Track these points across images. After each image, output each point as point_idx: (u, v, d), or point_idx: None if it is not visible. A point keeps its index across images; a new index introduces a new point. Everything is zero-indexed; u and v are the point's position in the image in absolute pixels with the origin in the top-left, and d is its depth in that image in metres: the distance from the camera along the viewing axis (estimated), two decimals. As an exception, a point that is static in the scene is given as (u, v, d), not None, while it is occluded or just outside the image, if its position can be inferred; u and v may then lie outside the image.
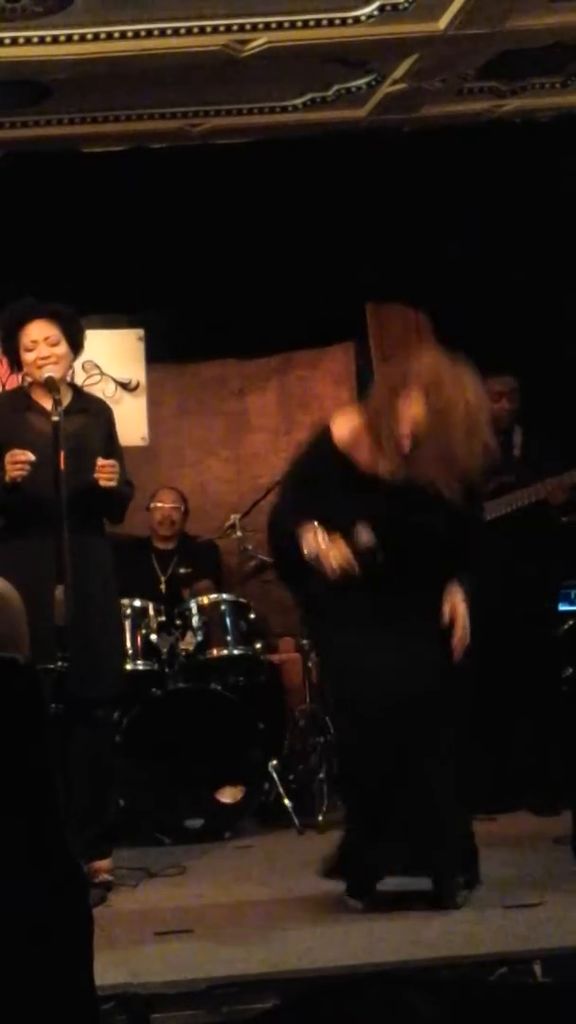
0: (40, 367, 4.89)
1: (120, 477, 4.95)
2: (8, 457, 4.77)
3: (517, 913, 4.11)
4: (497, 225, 6.89)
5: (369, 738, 4.32)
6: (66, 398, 4.94)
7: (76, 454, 4.75)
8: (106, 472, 4.84)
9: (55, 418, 4.73)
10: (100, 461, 4.85)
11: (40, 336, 4.92)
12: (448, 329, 7.16)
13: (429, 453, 4.30)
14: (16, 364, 5.09)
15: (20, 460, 4.74)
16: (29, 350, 4.91)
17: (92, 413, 5.07)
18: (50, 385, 4.85)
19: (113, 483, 4.86)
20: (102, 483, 4.82)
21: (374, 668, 4.30)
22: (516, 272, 6.89)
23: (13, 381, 7.35)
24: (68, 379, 5.18)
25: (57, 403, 4.75)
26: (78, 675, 4.47)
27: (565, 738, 5.59)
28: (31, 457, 4.74)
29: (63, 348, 4.96)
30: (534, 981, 3.57)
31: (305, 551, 4.30)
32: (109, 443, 5.05)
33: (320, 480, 4.42)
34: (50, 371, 4.89)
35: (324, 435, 4.50)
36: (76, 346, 5.04)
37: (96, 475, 4.82)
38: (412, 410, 4.32)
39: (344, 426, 4.48)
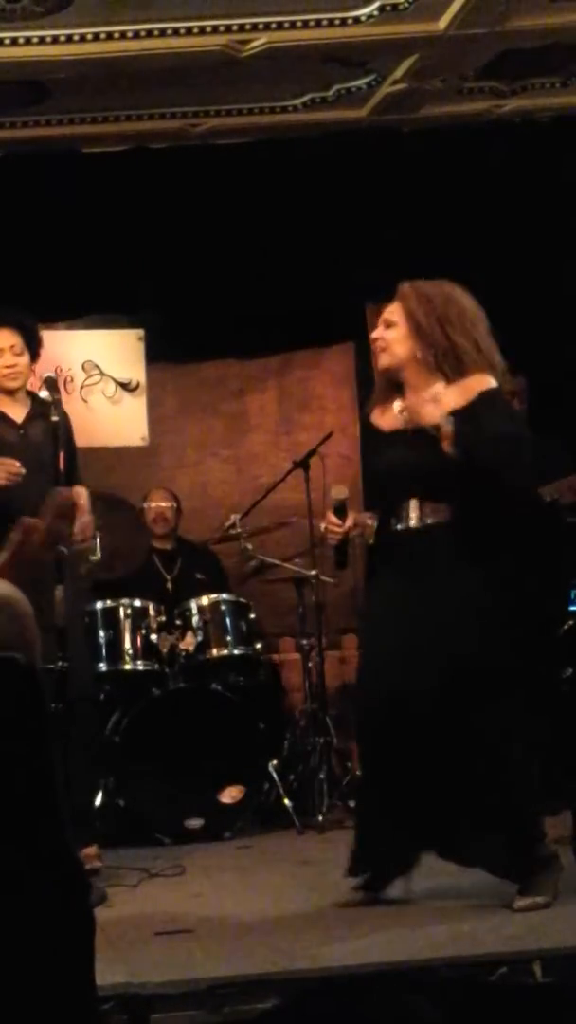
0: (5, 376, 5.02)
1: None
2: None
3: (517, 913, 4.11)
4: (497, 225, 6.89)
5: (369, 731, 4.32)
6: (26, 406, 5.08)
7: (37, 462, 4.86)
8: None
9: (55, 418, 4.83)
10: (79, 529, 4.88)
11: (6, 344, 5.02)
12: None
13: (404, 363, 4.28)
14: None
15: (13, 471, 4.81)
16: None
17: (50, 418, 5.07)
18: (50, 385, 4.91)
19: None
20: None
21: (377, 659, 4.28)
22: (517, 272, 6.88)
23: None
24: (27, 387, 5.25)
25: (57, 403, 4.84)
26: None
27: (565, 738, 5.58)
28: (19, 468, 4.79)
29: (26, 358, 5.08)
30: (534, 981, 3.56)
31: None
32: (68, 447, 5.09)
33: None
34: (14, 382, 5.02)
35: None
36: (35, 356, 5.15)
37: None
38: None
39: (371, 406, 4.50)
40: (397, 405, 4.32)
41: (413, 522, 4.24)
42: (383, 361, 4.33)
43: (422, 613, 4.18)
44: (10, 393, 5.07)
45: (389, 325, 4.31)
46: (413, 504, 4.24)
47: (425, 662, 4.13)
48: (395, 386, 4.35)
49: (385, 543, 4.33)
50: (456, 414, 4.14)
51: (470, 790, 4.16)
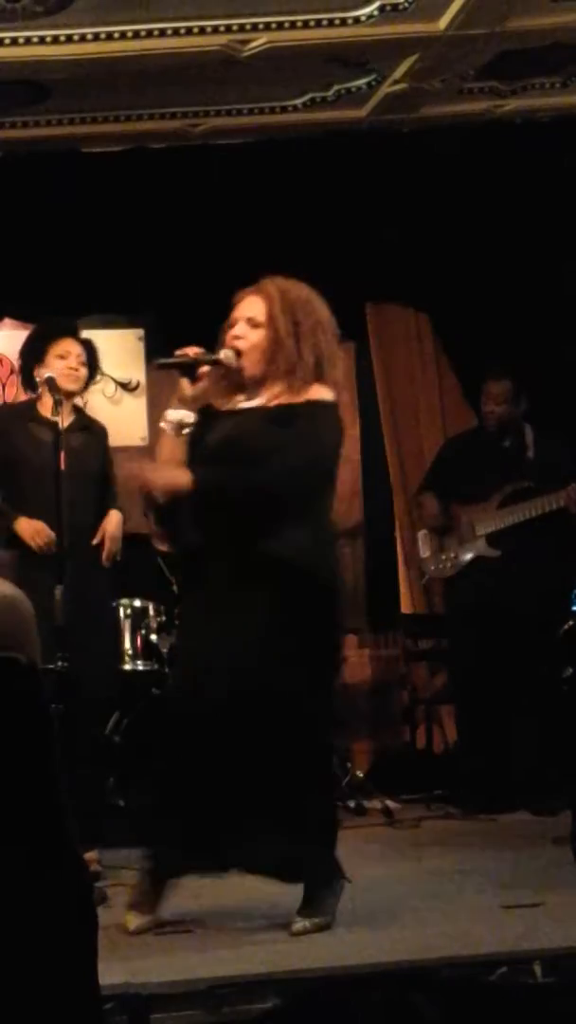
0: (67, 376, 5.12)
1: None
2: (32, 530, 5.03)
3: (517, 913, 4.11)
4: (497, 225, 6.89)
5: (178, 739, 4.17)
6: (70, 416, 5.20)
7: (74, 470, 4.99)
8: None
9: (54, 419, 4.99)
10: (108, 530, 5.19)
11: (74, 351, 5.18)
12: (448, 329, 7.18)
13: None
14: (29, 382, 5.28)
15: (43, 541, 5.00)
16: (63, 358, 5.14)
17: (92, 432, 5.33)
18: (51, 386, 5.03)
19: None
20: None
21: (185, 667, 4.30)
22: (517, 272, 6.89)
23: (12, 382, 7.38)
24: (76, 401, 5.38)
25: (58, 404, 4.98)
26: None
27: (565, 738, 5.58)
28: (52, 537, 4.97)
29: (85, 371, 5.22)
30: (534, 981, 3.57)
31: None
32: (105, 463, 5.33)
33: None
34: (74, 384, 5.16)
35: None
36: (92, 374, 5.32)
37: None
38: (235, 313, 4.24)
39: None
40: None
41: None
42: (235, 360, 4.18)
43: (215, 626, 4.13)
44: (48, 384, 5.12)
45: (255, 325, 4.18)
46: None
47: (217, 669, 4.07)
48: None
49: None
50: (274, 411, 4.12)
51: (257, 787, 4.05)
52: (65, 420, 5.11)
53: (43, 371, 5.11)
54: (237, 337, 4.18)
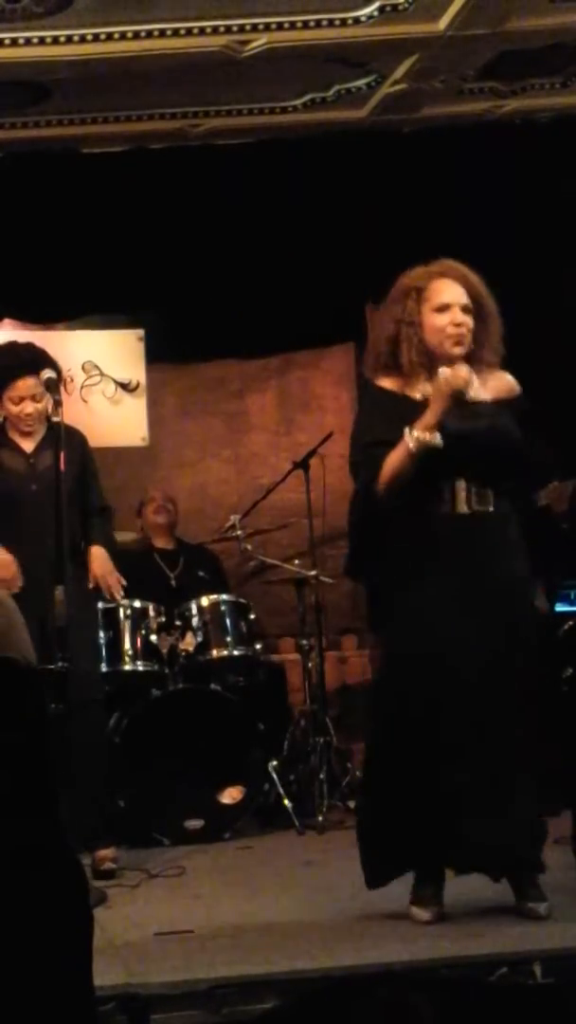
0: (23, 420, 5.13)
1: (100, 514, 5.29)
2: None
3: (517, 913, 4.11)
4: (497, 226, 6.88)
5: (412, 728, 4.06)
6: (40, 434, 5.18)
7: (46, 490, 4.96)
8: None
9: (55, 419, 4.94)
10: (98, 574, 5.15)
11: (28, 394, 5.12)
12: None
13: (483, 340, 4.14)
14: None
15: (9, 573, 4.97)
16: (15, 403, 5.13)
17: (63, 446, 5.13)
18: (50, 386, 5.00)
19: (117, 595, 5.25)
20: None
21: (434, 657, 4.06)
22: (517, 272, 6.88)
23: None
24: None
25: (58, 403, 4.94)
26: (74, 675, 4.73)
27: (565, 738, 5.58)
28: (16, 572, 4.96)
29: (43, 401, 5.15)
30: (534, 981, 3.57)
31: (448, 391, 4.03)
32: (82, 473, 5.23)
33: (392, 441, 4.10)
34: (29, 427, 5.15)
35: (374, 393, 4.25)
36: (52, 389, 5.14)
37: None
38: (445, 297, 4.15)
39: (383, 379, 4.22)
40: (463, 370, 4.08)
41: (462, 506, 4.10)
42: (459, 351, 4.12)
43: (477, 606, 4.06)
44: (46, 384, 5.09)
45: (468, 311, 4.16)
46: (461, 486, 4.09)
47: (480, 657, 4.04)
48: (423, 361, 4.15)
49: (426, 526, 4.10)
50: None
51: (503, 792, 4.10)
52: (31, 443, 5.14)
53: (7, 405, 5.13)
54: (461, 324, 4.16)
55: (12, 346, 5.33)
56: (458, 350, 4.12)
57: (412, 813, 4.06)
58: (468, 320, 4.16)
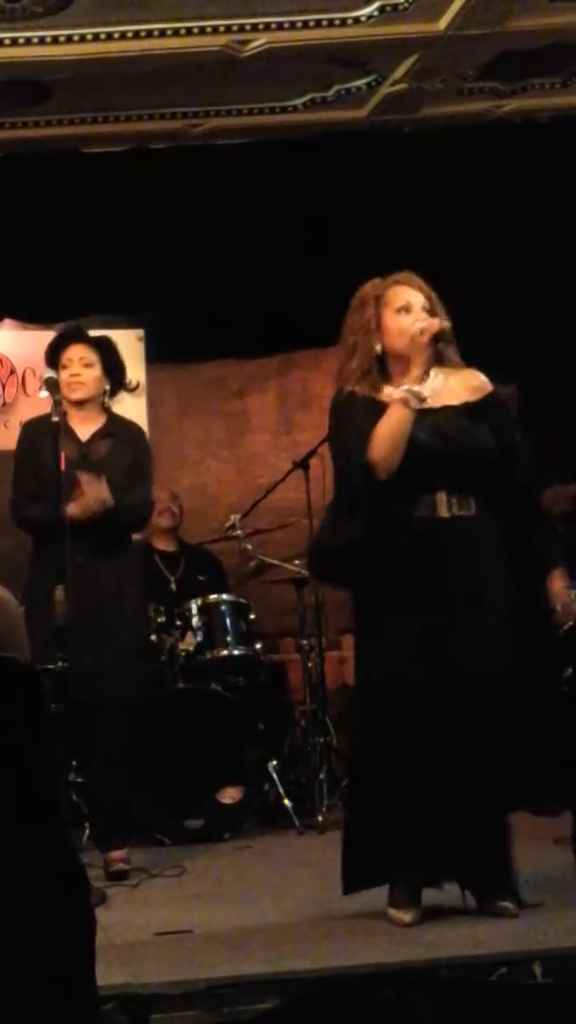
0: (68, 384, 5.10)
1: (133, 499, 5.14)
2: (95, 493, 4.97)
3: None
4: (497, 226, 6.89)
5: (398, 748, 4.07)
6: (98, 422, 5.18)
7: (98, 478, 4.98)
8: (82, 498, 4.99)
9: (55, 419, 4.93)
10: (83, 482, 4.99)
11: (76, 356, 5.14)
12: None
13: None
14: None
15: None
16: (65, 368, 5.14)
17: (120, 438, 5.23)
18: (50, 386, 5.01)
19: (79, 512, 4.94)
20: (71, 510, 4.92)
21: (414, 670, 4.05)
22: (517, 273, 6.89)
23: (12, 382, 7.40)
24: (103, 404, 5.28)
25: (57, 403, 4.95)
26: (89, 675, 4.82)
27: (565, 738, 5.58)
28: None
29: (96, 372, 5.17)
30: (534, 981, 3.56)
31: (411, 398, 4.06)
32: (133, 467, 5.18)
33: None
34: (75, 393, 5.12)
35: (346, 399, 4.22)
36: (112, 372, 5.24)
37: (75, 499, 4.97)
38: (405, 299, 4.21)
39: (353, 385, 4.22)
40: (436, 378, 4.13)
41: (442, 511, 4.10)
42: (427, 338, 4.13)
43: (456, 613, 4.06)
44: (78, 406, 5.14)
45: (428, 312, 4.20)
46: (441, 493, 4.10)
47: (462, 666, 4.04)
48: (382, 368, 4.20)
49: (406, 531, 4.09)
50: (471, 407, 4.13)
51: (488, 804, 4.09)
52: (93, 426, 5.13)
53: (47, 374, 5.12)
54: (416, 324, 4.18)
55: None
56: (426, 337, 4.13)
57: (395, 826, 4.08)
58: (431, 319, 4.19)
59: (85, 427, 5.18)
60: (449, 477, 4.10)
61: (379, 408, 4.12)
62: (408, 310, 4.21)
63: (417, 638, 4.05)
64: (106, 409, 5.25)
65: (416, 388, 4.08)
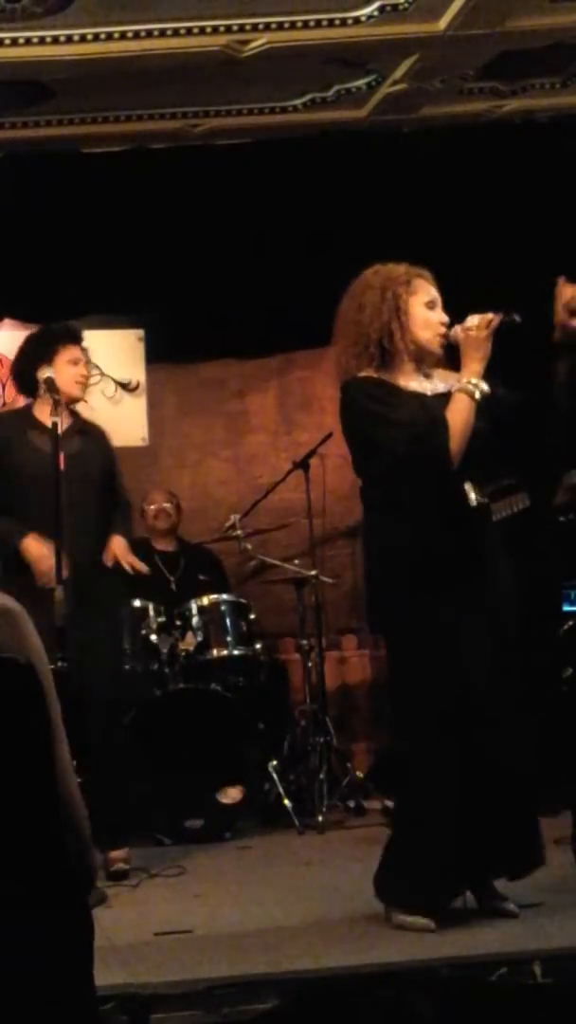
0: (80, 383, 5.18)
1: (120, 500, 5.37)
2: (38, 554, 4.97)
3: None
4: (497, 226, 6.88)
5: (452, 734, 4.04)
6: (65, 421, 5.15)
7: (74, 475, 4.98)
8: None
9: (54, 419, 4.95)
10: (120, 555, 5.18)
11: (79, 356, 5.21)
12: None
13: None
14: (27, 387, 5.24)
15: (46, 566, 4.91)
16: (75, 363, 5.16)
17: (90, 436, 5.29)
18: (50, 386, 5.02)
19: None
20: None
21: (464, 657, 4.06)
22: (516, 273, 6.88)
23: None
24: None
25: (57, 403, 4.98)
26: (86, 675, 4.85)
27: (565, 738, 5.58)
28: (52, 568, 4.85)
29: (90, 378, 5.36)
30: (534, 981, 3.57)
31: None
32: (108, 464, 5.31)
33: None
34: (84, 392, 5.24)
35: (366, 383, 4.19)
36: (51, 391, 5.21)
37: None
38: (432, 294, 4.26)
39: (368, 371, 4.19)
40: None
41: (473, 499, 4.13)
42: (440, 351, 4.21)
43: (486, 601, 4.10)
44: (46, 384, 5.12)
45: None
46: (468, 482, 4.13)
47: (493, 659, 4.08)
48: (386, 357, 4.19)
49: (449, 517, 4.09)
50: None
51: (517, 796, 4.13)
52: (63, 425, 5.07)
53: (45, 373, 5.07)
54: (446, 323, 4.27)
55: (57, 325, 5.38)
56: (440, 350, 4.21)
57: (460, 832, 4.04)
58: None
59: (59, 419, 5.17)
60: (467, 466, 4.13)
61: (403, 396, 4.12)
62: (433, 306, 4.26)
63: (459, 630, 4.05)
64: (71, 409, 5.26)
65: (476, 380, 4.11)
